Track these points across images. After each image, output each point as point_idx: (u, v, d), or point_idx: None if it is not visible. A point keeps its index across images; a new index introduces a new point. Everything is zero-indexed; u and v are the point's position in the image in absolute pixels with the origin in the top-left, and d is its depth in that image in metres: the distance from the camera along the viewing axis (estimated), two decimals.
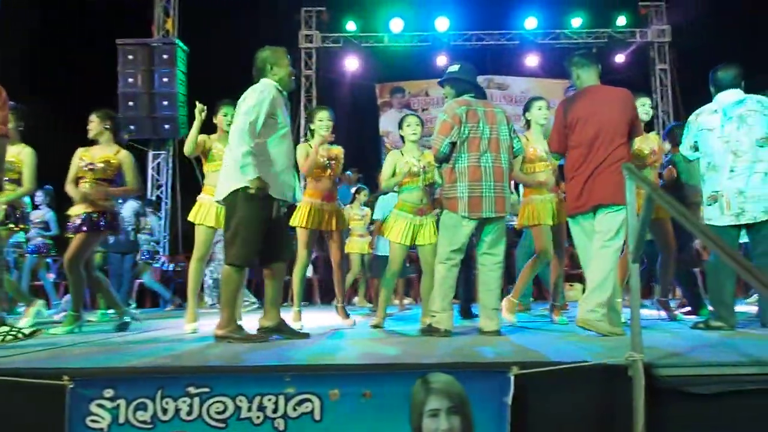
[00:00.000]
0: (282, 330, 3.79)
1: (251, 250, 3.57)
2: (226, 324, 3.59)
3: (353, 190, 8.16)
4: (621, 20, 13.22)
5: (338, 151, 4.96)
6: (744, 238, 4.20)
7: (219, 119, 4.77)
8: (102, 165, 4.60)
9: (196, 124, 4.54)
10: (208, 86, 11.30)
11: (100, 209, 4.55)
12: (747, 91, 4.07)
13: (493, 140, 3.84)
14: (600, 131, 3.71)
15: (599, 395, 2.42)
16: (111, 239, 6.86)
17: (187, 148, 4.61)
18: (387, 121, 13.39)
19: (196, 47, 11.38)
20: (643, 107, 4.72)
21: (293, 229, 4.72)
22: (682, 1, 13.47)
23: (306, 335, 3.87)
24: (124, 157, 4.69)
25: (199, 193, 4.77)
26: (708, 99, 4.19)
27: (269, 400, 2.36)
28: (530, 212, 4.74)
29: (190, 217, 4.66)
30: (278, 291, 3.84)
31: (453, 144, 3.81)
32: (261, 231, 3.57)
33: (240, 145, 3.49)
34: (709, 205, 4.02)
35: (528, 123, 4.94)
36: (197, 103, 4.61)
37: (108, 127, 4.72)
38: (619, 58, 13.41)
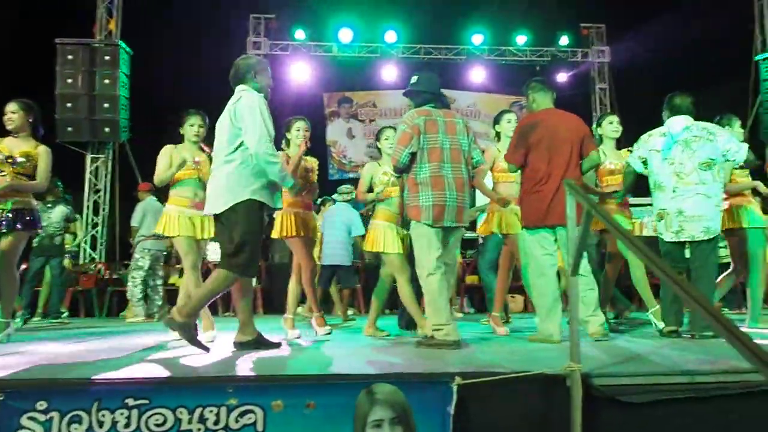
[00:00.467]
0: (261, 343, 3.76)
1: (257, 260, 3.70)
2: (248, 331, 3.76)
3: (319, 201, 8.17)
4: (564, 40, 13.66)
5: (313, 162, 5.02)
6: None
7: (186, 129, 4.68)
8: (23, 159, 4.43)
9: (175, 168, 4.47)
10: (151, 90, 11.09)
11: (24, 206, 4.42)
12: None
13: (453, 150, 3.88)
14: (559, 154, 4.03)
15: (539, 404, 2.48)
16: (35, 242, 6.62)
17: (164, 180, 4.51)
18: (334, 131, 13.43)
19: (140, 50, 11.12)
20: (611, 125, 5.02)
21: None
22: (621, 23, 14.05)
23: (278, 344, 3.83)
24: (43, 152, 4.54)
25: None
26: (645, 118, 4.45)
27: (211, 411, 2.32)
28: (502, 221, 4.84)
29: (166, 232, 4.50)
30: (250, 305, 3.87)
31: (413, 154, 3.83)
32: (261, 242, 3.72)
33: (273, 157, 3.61)
34: (658, 221, 4.30)
35: (498, 135, 5.12)
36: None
37: (31, 120, 4.56)
38: (562, 77, 13.84)
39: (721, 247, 7.36)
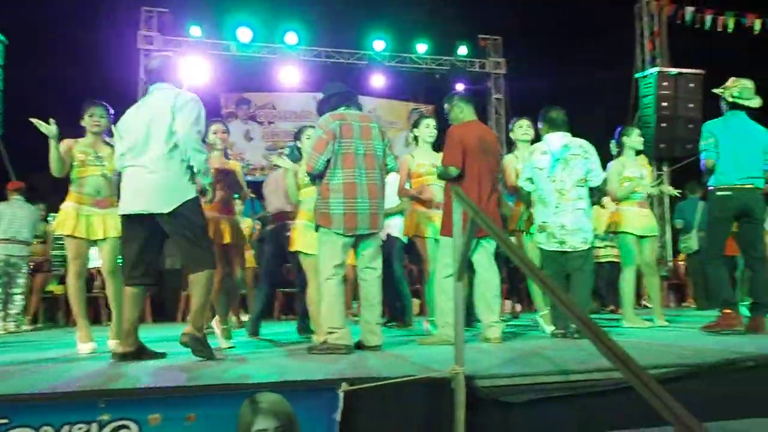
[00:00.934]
0: (144, 353, 3.58)
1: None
2: (129, 342, 3.54)
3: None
4: (462, 50, 14.07)
5: (236, 165, 4.87)
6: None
7: (87, 121, 4.40)
8: None
9: (54, 144, 4.14)
10: (31, 82, 10.34)
11: None
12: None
13: (368, 156, 3.83)
14: (487, 164, 4.22)
15: (424, 407, 2.51)
16: None
17: (56, 170, 4.22)
18: (231, 133, 13.01)
19: (17, 39, 10.34)
20: (521, 129, 5.41)
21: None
22: (518, 37, 14.67)
23: (163, 354, 3.65)
24: None
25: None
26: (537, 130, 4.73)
27: (80, 429, 2.17)
28: (415, 223, 4.96)
29: (59, 229, 4.21)
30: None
31: (329, 160, 3.74)
32: None
33: (202, 152, 3.50)
34: (540, 232, 4.55)
35: (416, 139, 5.25)
36: (49, 120, 4.17)
37: None
38: (460, 86, 14.25)
39: (611, 247, 8.03)
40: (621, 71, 13.09)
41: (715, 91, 4.71)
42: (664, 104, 11.64)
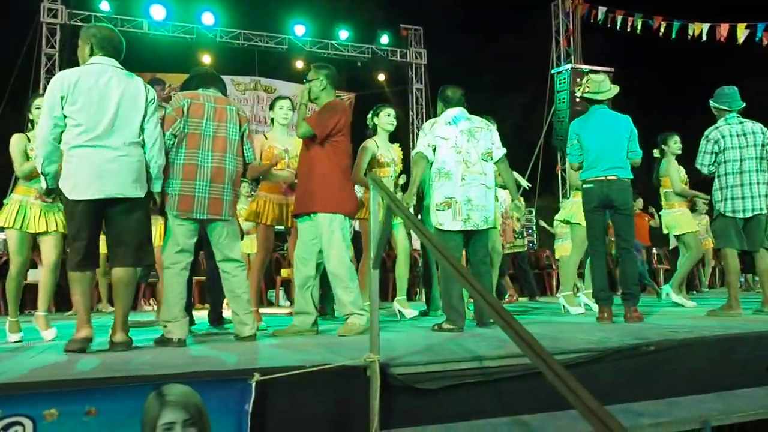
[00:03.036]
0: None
1: None
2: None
3: None
4: (384, 39, 14.10)
5: None
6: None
7: (35, 114, 4.18)
8: None
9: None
10: None
11: None
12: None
13: (218, 138, 3.68)
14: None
15: (340, 396, 2.48)
16: None
17: (27, 172, 4.12)
18: None
19: None
20: (675, 144, 6.13)
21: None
22: (439, 28, 14.85)
23: None
24: None
25: None
26: None
27: None
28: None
29: (6, 223, 4.04)
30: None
31: (175, 137, 3.59)
32: None
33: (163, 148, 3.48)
34: (441, 210, 4.27)
35: (375, 128, 5.35)
36: None
37: None
38: (381, 75, 14.27)
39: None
40: (539, 64, 13.52)
41: (576, 93, 4.94)
42: (578, 100, 12.11)
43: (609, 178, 4.50)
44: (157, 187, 3.49)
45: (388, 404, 2.44)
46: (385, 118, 5.26)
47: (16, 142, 4.20)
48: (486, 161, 4.37)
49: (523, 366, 2.60)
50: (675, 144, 6.21)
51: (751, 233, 4.88)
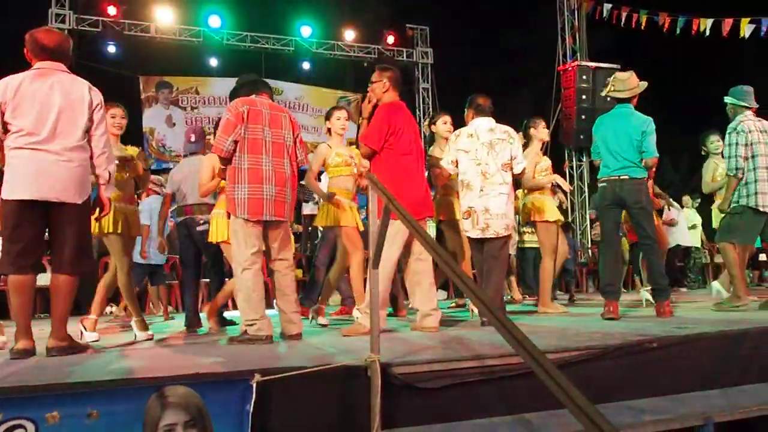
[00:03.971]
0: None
1: None
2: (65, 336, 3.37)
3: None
4: (390, 39, 14.08)
5: (134, 151, 4.68)
6: None
7: None
8: None
9: None
10: None
11: None
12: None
13: (276, 144, 3.79)
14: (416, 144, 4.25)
15: (341, 396, 2.49)
16: None
17: None
18: (152, 117, 12.55)
19: None
20: (712, 144, 6.01)
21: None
22: (445, 27, 14.83)
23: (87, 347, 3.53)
24: None
25: None
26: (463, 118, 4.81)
27: None
28: (332, 214, 4.88)
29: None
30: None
31: (236, 143, 3.68)
32: None
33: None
34: (465, 219, 4.54)
35: (329, 131, 5.21)
36: None
37: None
38: None
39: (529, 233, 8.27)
40: (545, 62, 13.45)
41: (603, 93, 4.95)
42: (584, 97, 12.06)
43: (621, 177, 4.57)
44: (108, 193, 3.51)
45: (390, 404, 2.45)
46: (443, 126, 5.38)
47: None
48: (506, 171, 4.52)
49: (524, 364, 2.59)
50: (711, 144, 6.13)
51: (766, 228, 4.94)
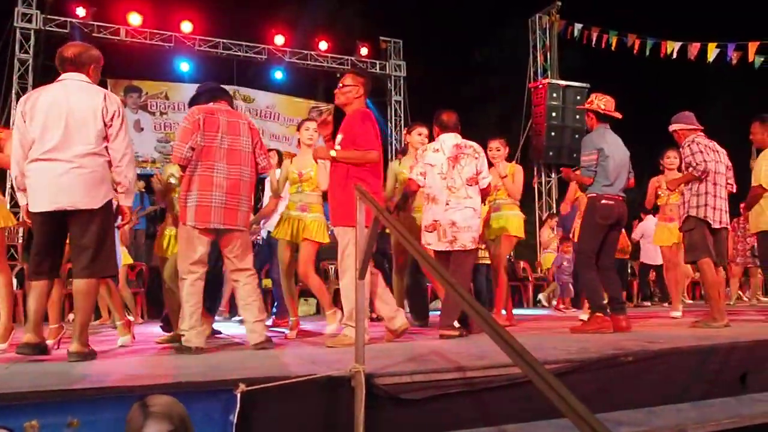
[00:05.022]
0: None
1: None
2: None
3: None
4: (364, 50, 14.15)
5: None
6: None
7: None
8: None
9: None
10: None
11: None
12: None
13: (232, 151, 3.77)
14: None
15: (325, 406, 2.48)
16: None
17: None
18: None
19: None
20: (668, 159, 6.28)
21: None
22: (418, 41, 14.96)
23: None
24: None
25: None
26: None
27: None
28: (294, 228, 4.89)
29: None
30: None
31: (193, 150, 3.69)
32: None
33: (134, 167, 3.57)
34: (429, 232, 4.56)
35: (299, 142, 5.20)
36: None
37: None
38: None
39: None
40: (516, 78, 13.68)
41: (585, 106, 4.96)
42: (554, 114, 12.32)
43: (621, 197, 4.72)
44: (127, 202, 3.51)
45: (373, 415, 2.44)
46: (417, 137, 5.39)
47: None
48: (471, 186, 4.55)
49: (506, 376, 2.63)
50: (667, 159, 6.32)
51: (718, 246, 5.00)
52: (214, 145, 3.71)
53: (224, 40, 12.75)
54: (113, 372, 2.73)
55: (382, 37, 14.47)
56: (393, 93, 14.61)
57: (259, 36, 13.16)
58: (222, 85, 4.24)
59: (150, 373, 2.68)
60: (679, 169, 5.67)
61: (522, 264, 11.68)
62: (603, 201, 4.66)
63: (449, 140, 4.63)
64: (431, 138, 5.09)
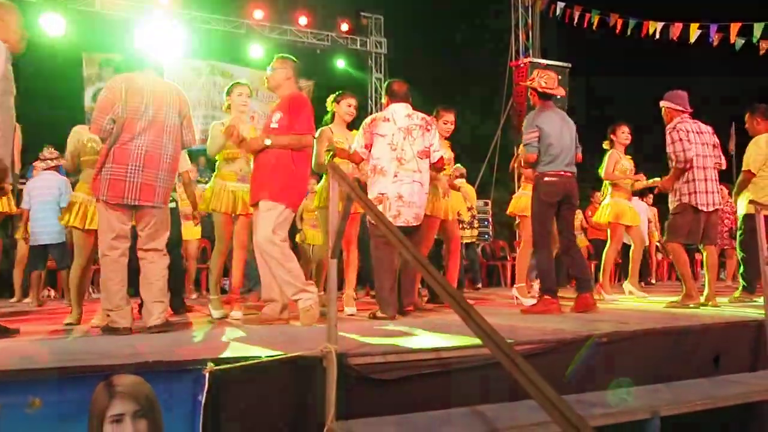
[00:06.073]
0: None
1: None
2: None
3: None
4: (344, 26, 13.96)
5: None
6: None
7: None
8: None
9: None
10: None
11: None
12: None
13: (156, 123, 3.56)
14: None
15: (295, 386, 2.45)
16: None
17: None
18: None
19: None
20: (623, 134, 6.23)
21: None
22: (399, 17, 14.78)
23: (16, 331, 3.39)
24: None
25: None
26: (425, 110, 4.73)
27: None
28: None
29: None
30: None
31: (114, 121, 3.48)
32: None
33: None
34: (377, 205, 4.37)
35: (229, 107, 4.86)
36: None
37: None
38: (340, 63, 14.14)
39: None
40: (498, 56, 13.59)
41: (527, 83, 4.95)
42: (532, 91, 12.25)
43: (568, 173, 4.64)
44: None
45: (345, 395, 2.41)
46: (345, 108, 5.04)
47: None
48: (422, 159, 4.44)
49: (479, 357, 2.61)
50: (622, 134, 6.27)
51: (710, 228, 5.06)
52: (137, 116, 3.50)
53: (202, 14, 12.48)
54: (78, 350, 2.66)
55: (363, 13, 14.27)
56: (374, 70, 14.47)
57: (237, 10, 12.90)
58: (148, 54, 3.89)
59: (115, 352, 2.62)
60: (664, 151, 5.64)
61: (501, 243, 11.75)
62: (546, 179, 4.63)
63: (401, 110, 4.48)
64: (360, 109, 4.96)
